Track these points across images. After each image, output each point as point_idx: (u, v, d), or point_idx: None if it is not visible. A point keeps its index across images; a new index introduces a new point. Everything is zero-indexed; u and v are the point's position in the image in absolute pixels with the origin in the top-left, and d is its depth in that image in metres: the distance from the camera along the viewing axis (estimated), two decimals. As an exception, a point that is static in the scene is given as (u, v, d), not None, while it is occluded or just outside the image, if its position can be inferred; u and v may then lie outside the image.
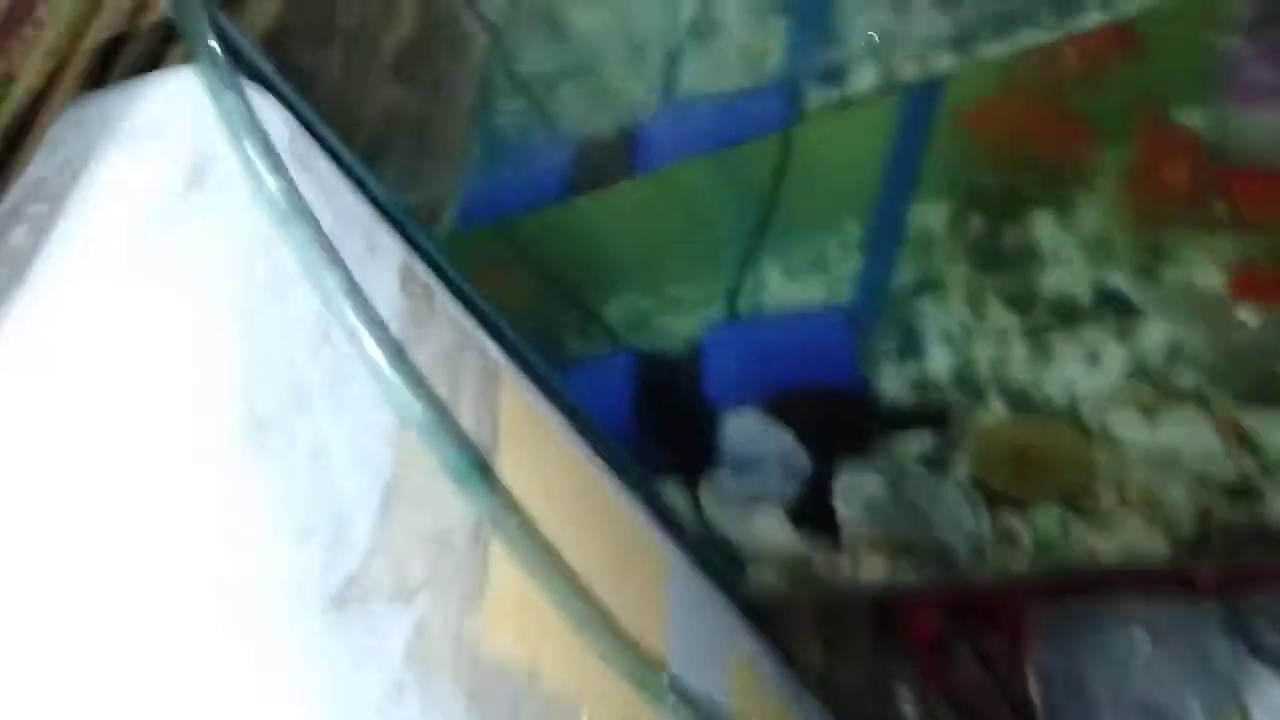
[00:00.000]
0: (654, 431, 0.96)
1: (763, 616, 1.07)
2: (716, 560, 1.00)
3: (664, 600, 0.72)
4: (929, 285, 1.02)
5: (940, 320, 1.00)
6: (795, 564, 0.98)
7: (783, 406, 0.91)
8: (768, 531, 0.93)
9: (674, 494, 0.96)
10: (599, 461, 0.68)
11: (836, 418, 0.92)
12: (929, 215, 1.06)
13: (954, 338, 0.99)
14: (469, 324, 0.47)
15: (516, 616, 0.40)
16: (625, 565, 0.66)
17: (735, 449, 0.89)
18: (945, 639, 1.12)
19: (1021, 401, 0.91)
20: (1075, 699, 1.47)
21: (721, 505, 0.93)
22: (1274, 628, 1.45)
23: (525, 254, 0.97)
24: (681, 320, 1.01)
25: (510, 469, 0.44)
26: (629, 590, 0.66)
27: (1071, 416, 0.88)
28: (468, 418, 0.42)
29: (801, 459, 0.89)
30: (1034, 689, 1.53)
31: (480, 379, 0.44)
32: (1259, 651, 1.47)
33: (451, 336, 0.42)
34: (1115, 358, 0.87)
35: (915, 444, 0.95)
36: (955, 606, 1.04)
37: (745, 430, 0.88)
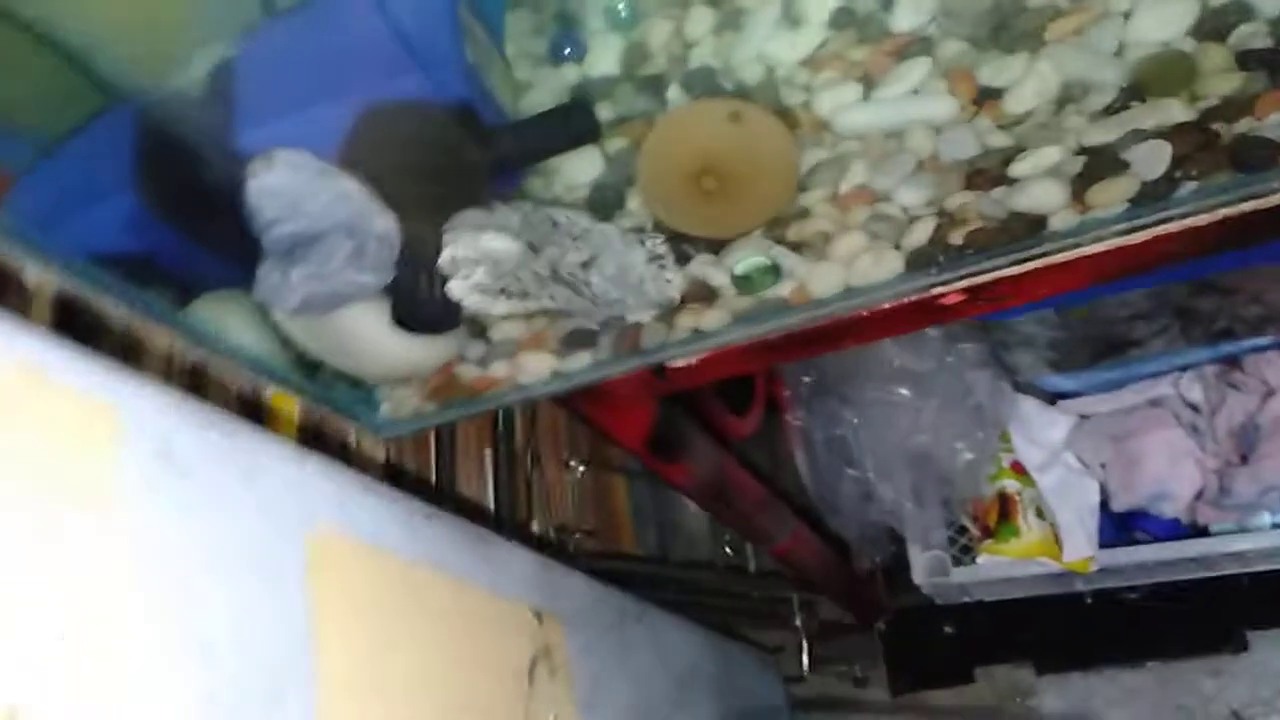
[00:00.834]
0: (174, 218, 0.62)
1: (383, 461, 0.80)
2: (328, 398, 0.70)
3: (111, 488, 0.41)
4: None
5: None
6: (435, 381, 0.70)
7: (351, 146, 0.58)
8: (372, 340, 0.63)
9: (225, 312, 0.63)
10: None
11: (441, 152, 0.60)
12: None
13: (617, 15, 0.68)
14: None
15: None
16: None
17: (275, 225, 0.56)
18: (667, 427, 0.89)
19: (709, 92, 0.63)
20: (840, 460, 1.35)
21: (293, 316, 0.61)
22: (1027, 347, 1.35)
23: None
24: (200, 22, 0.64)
25: None
26: None
27: (771, 103, 0.61)
28: None
29: (382, 224, 0.57)
30: (799, 460, 1.40)
31: None
32: (1013, 371, 1.39)
33: None
34: (821, 7, 0.60)
35: (565, 180, 0.66)
36: (667, 391, 0.80)
37: (282, 190, 0.56)
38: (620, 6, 0.68)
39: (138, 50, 0.61)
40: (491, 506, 1.09)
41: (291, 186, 0.57)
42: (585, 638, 0.85)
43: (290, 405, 0.69)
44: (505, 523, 1.02)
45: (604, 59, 0.67)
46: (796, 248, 0.61)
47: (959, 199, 0.57)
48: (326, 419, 0.71)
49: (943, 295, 0.62)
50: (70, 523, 0.39)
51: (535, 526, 1.20)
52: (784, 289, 0.62)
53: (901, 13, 0.58)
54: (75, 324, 0.54)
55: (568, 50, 0.69)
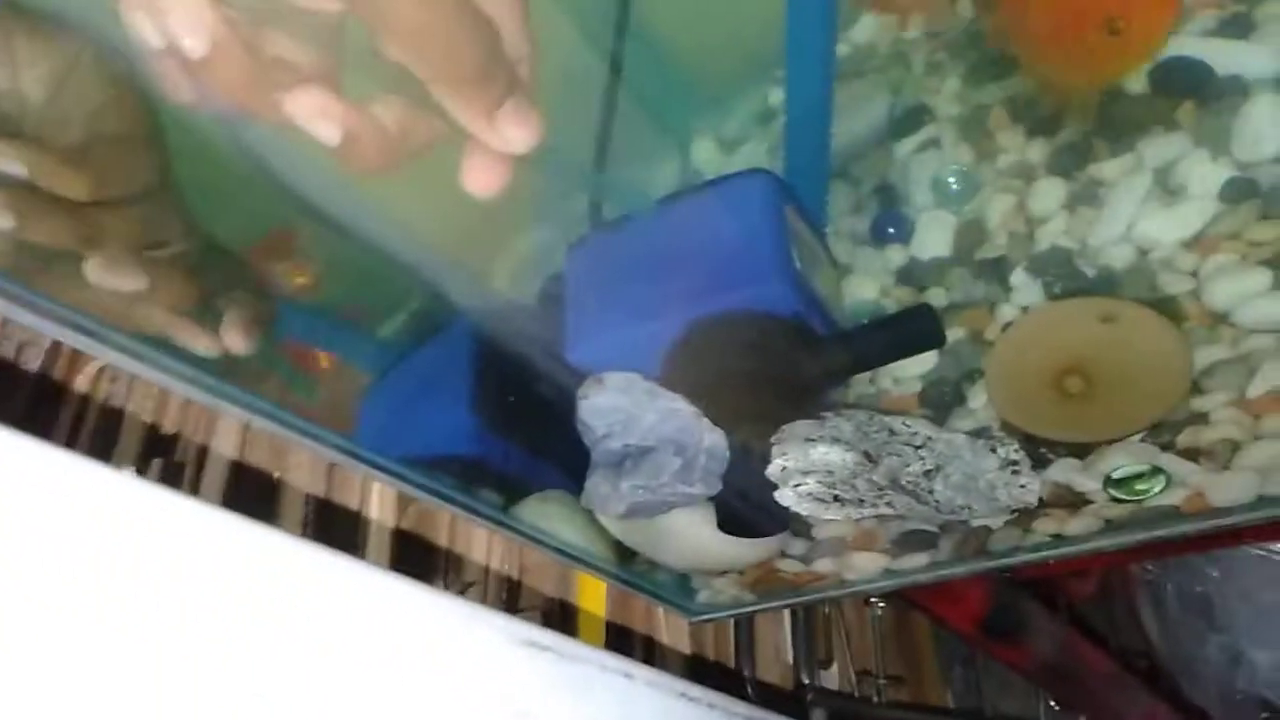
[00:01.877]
0: (505, 425, 0.65)
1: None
2: (644, 585, 0.69)
3: None
4: (905, 119, 0.66)
5: (926, 167, 0.65)
6: (754, 574, 0.67)
7: (673, 359, 0.58)
8: (695, 541, 0.62)
9: (548, 512, 0.65)
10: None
11: (769, 364, 0.58)
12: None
13: (947, 189, 0.64)
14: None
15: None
16: None
17: (606, 440, 0.57)
18: (1005, 608, 0.80)
19: (1064, 278, 0.56)
20: (1200, 620, 1.15)
21: (617, 521, 0.62)
22: None
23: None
24: (531, 237, 0.68)
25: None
26: None
27: (1146, 292, 0.53)
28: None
29: (711, 440, 0.56)
30: (1146, 618, 1.21)
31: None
32: None
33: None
34: (1206, 178, 0.52)
35: (894, 374, 0.61)
36: (1010, 578, 0.72)
37: (612, 409, 0.56)
38: (950, 180, 0.63)
39: (469, 262, 0.66)
40: (790, 659, 1.04)
41: (621, 405, 0.58)
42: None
43: (598, 600, 0.70)
44: (809, 691, 0.97)
45: (933, 239, 0.62)
46: (1190, 454, 0.51)
47: None
48: (632, 611, 0.71)
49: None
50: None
51: (835, 674, 1.13)
52: (1174, 496, 0.53)
53: (1323, 179, 0.48)
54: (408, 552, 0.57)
55: (891, 230, 0.65)
